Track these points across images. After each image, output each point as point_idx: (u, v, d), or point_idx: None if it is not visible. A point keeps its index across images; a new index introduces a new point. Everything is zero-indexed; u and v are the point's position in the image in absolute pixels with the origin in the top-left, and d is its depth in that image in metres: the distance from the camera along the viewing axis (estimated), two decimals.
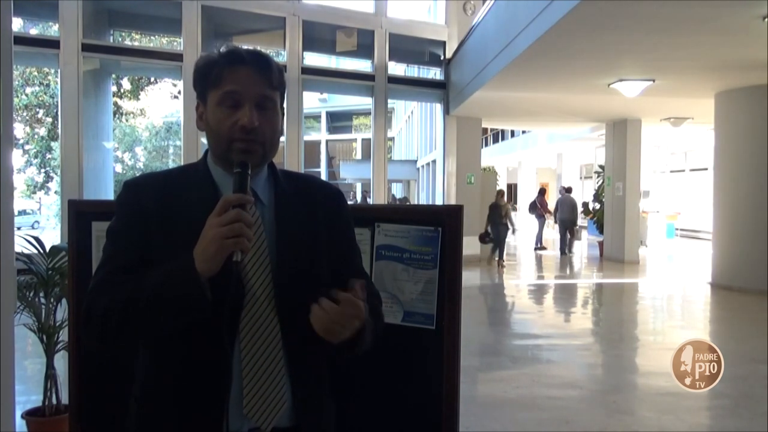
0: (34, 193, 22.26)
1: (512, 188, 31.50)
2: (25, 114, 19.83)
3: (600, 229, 14.99)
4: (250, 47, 1.32)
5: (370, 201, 22.22)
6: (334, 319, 1.17)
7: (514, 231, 13.72)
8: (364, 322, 1.22)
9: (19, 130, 19.62)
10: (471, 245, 12.58)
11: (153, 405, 1.27)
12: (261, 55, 1.29)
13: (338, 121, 38.92)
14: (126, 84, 20.78)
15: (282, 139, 12.13)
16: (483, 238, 12.86)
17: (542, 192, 17.81)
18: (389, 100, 13.43)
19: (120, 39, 14.74)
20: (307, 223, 1.32)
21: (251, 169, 1.22)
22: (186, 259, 1.14)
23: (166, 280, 1.15)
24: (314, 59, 13.28)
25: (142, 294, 1.16)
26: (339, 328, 1.18)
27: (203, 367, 1.22)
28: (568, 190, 16.25)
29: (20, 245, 3.26)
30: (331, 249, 1.35)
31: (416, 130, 24.18)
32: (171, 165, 20.22)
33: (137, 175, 1.39)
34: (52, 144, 18.76)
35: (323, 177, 32.84)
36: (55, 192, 19.06)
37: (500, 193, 13.68)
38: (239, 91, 1.24)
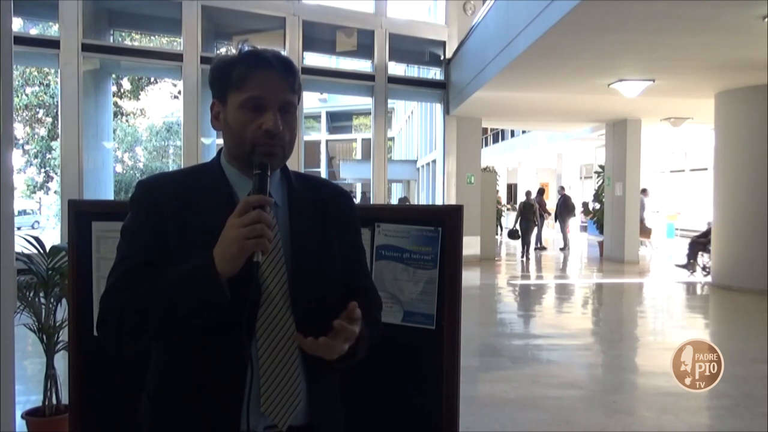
0: (34, 193, 22.27)
1: (512, 188, 31.51)
2: (25, 114, 19.83)
3: (600, 229, 15.00)
4: (269, 48, 1.32)
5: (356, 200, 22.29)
6: (323, 350, 1.20)
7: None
8: (357, 340, 1.24)
9: (19, 130, 19.62)
10: (471, 245, 12.61)
11: (169, 402, 1.28)
12: (285, 60, 1.30)
13: (338, 121, 38.90)
14: (126, 84, 20.78)
15: None
16: (514, 235, 14.59)
17: (541, 192, 17.84)
18: (389, 100, 13.43)
19: (120, 39, 14.74)
20: (320, 225, 1.34)
21: (269, 172, 1.24)
22: (205, 260, 1.14)
23: (185, 280, 1.15)
24: (314, 59, 13.29)
25: (161, 294, 1.16)
26: (330, 351, 1.22)
27: (222, 366, 1.22)
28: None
29: (20, 245, 3.26)
30: (342, 250, 1.37)
31: (416, 130, 24.16)
32: (171, 165, 20.23)
33: (150, 174, 1.39)
34: (52, 144, 18.76)
35: (323, 177, 32.87)
36: (55, 192, 19.06)
37: (528, 193, 15.65)
38: (264, 95, 1.25)
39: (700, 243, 11.16)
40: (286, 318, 1.26)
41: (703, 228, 11.53)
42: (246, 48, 1.30)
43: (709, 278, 10.49)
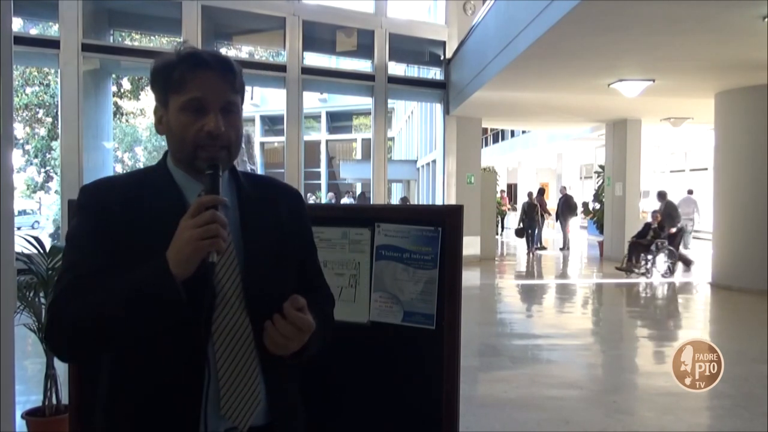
0: (34, 192, 22.26)
1: (512, 188, 31.50)
2: (25, 114, 19.82)
3: (600, 229, 14.99)
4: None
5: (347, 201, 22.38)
6: (285, 335, 1.19)
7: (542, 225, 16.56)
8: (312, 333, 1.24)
9: (19, 130, 19.62)
10: (471, 245, 12.61)
11: (126, 410, 1.24)
12: (225, 60, 1.28)
13: (338, 121, 38.84)
14: (126, 84, 20.77)
15: (282, 139, 12.18)
16: (521, 233, 15.89)
17: (541, 192, 17.83)
18: (389, 100, 13.43)
19: (120, 39, 14.73)
20: (272, 224, 1.33)
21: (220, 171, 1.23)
22: (159, 262, 1.12)
23: (139, 284, 1.13)
24: (314, 59, 13.28)
25: (115, 300, 1.13)
26: (288, 342, 1.21)
27: (180, 370, 1.21)
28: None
29: (20, 245, 3.26)
30: (294, 249, 1.37)
31: (416, 130, 24.14)
32: None
33: (94, 180, 1.35)
34: (52, 144, 18.76)
35: (323, 177, 32.90)
36: (55, 192, 19.06)
37: (530, 194, 16.62)
38: (204, 97, 1.23)
39: (641, 245, 10.95)
40: (242, 320, 1.25)
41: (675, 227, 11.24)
42: (183, 49, 1.27)
43: (652, 279, 10.56)
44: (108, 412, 1.28)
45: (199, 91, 1.23)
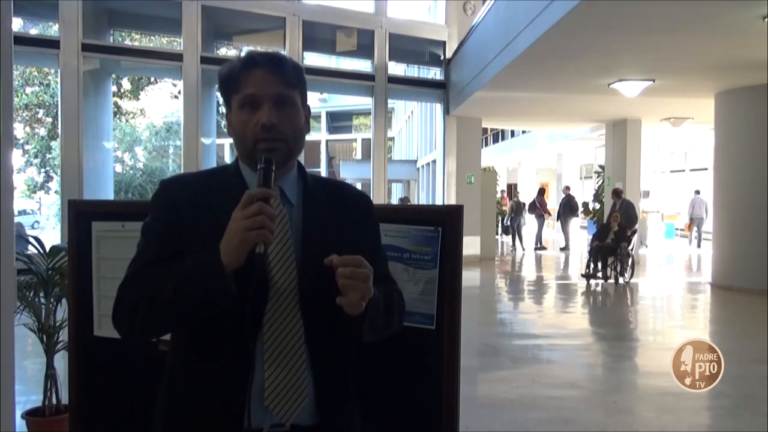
0: (34, 192, 22.27)
1: (512, 188, 31.51)
2: (25, 114, 19.83)
3: None
4: (268, 49, 1.36)
5: None
6: (353, 269, 1.18)
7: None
8: (373, 290, 1.23)
9: (19, 130, 19.62)
10: (471, 245, 12.61)
11: (178, 398, 1.31)
12: (275, 56, 1.34)
13: (338, 121, 38.86)
14: (126, 84, 20.78)
15: None
16: (507, 231, 17.19)
17: (541, 192, 17.82)
18: (389, 100, 13.43)
19: (120, 39, 14.74)
20: (334, 225, 1.35)
21: (277, 167, 1.26)
22: (211, 252, 1.18)
23: (191, 272, 1.20)
24: (314, 59, 13.30)
25: (168, 286, 1.20)
26: (356, 284, 1.19)
27: (226, 361, 1.25)
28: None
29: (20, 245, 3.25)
30: (356, 251, 1.31)
31: (416, 130, 24.14)
32: (171, 165, 20.23)
33: (173, 175, 1.44)
34: (52, 144, 18.76)
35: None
36: (55, 192, 19.06)
37: (517, 194, 18.37)
38: (256, 92, 1.29)
39: (606, 248, 10.24)
40: (293, 314, 1.27)
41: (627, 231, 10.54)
42: (244, 52, 1.36)
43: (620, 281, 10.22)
44: (168, 397, 1.34)
45: (252, 88, 1.30)
